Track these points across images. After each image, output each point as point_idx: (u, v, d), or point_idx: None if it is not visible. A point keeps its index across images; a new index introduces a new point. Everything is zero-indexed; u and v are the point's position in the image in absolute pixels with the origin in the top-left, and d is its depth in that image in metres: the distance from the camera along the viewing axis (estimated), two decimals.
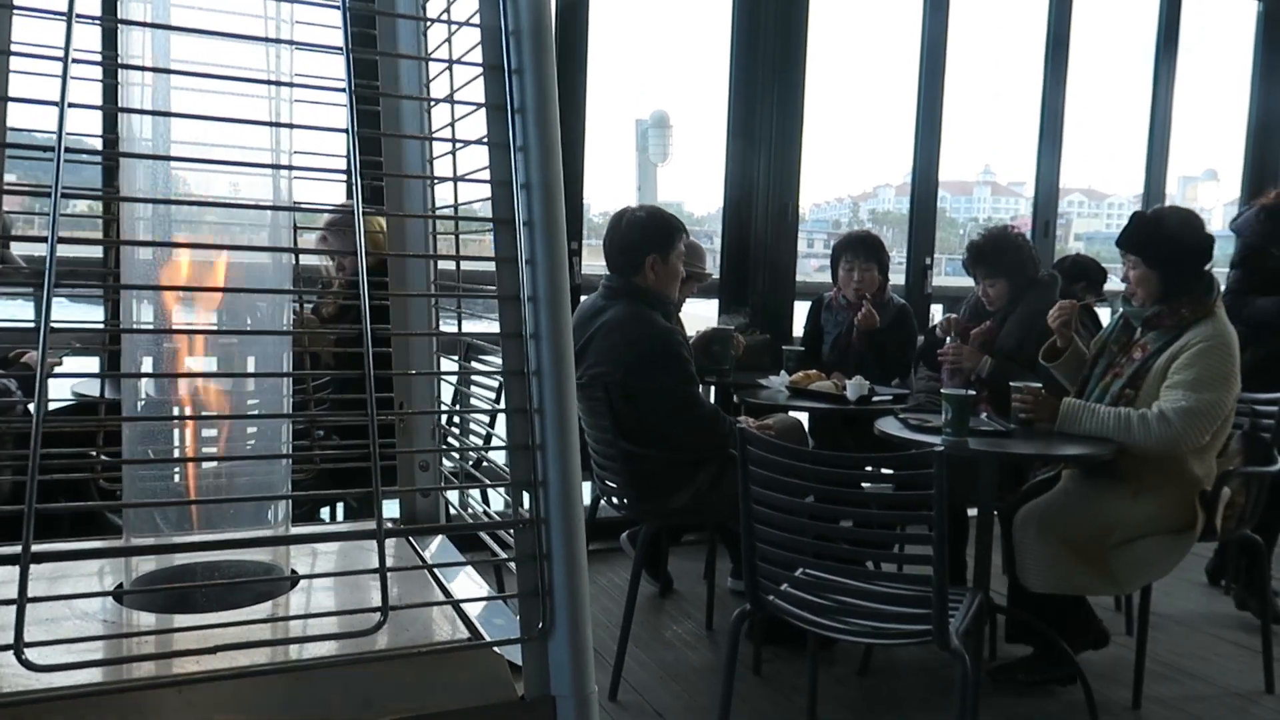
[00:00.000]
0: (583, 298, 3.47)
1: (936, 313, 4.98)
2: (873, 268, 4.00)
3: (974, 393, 2.95)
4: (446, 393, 1.90)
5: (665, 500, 3.04)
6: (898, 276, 4.88)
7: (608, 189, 5.21)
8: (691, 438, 3.02)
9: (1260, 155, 5.83)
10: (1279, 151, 5.78)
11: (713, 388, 4.23)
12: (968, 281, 3.78)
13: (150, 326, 1.10)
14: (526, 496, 0.94)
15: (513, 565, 1.02)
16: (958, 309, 3.87)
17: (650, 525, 3.06)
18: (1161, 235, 2.87)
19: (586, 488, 3.61)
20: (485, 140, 0.96)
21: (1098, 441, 2.81)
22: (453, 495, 1.31)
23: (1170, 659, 3.29)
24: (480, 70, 0.98)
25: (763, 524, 2.37)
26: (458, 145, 1.12)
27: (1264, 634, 3.14)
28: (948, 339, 3.60)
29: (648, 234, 3.09)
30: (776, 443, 2.49)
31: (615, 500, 3.17)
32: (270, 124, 1.05)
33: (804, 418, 3.71)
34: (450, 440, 1.36)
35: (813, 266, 6.14)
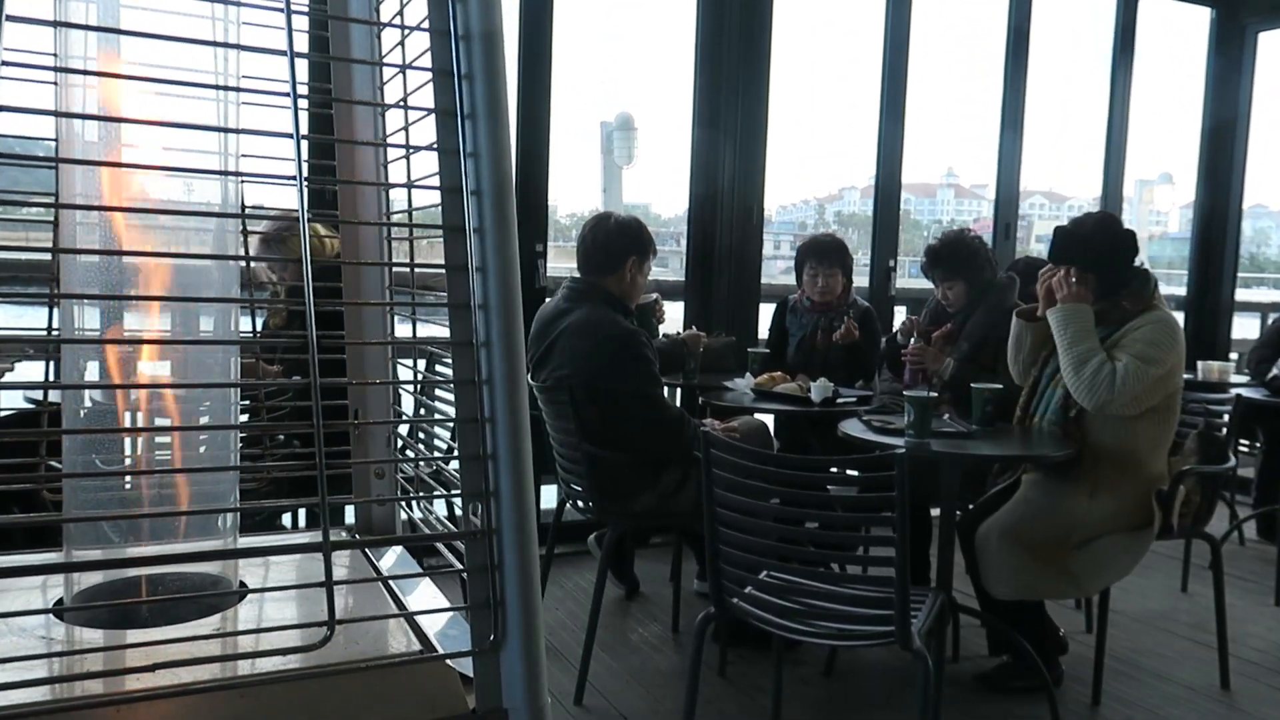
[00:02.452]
0: (546, 300, 3.45)
1: (900, 314, 5.02)
2: (836, 273, 4.02)
3: (936, 394, 2.97)
4: (407, 401, 1.88)
5: (629, 502, 3.04)
6: (862, 279, 4.90)
7: (573, 191, 5.20)
8: (656, 440, 3.02)
9: (1213, 158, 5.93)
10: (1231, 155, 5.88)
11: (678, 390, 4.23)
12: (931, 284, 3.81)
13: (94, 333, 1.07)
14: (479, 507, 0.92)
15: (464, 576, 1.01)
16: (921, 311, 3.90)
17: (615, 528, 3.05)
18: (1082, 240, 2.93)
19: (552, 491, 3.63)
20: (435, 146, 0.94)
21: (1057, 442, 2.84)
22: (408, 504, 1.29)
23: (1129, 656, 3.33)
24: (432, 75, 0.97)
25: (727, 527, 2.37)
26: (411, 151, 1.11)
27: (1219, 630, 3.18)
28: (910, 340, 3.63)
29: (633, 237, 3.13)
30: (740, 445, 2.49)
31: (580, 503, 3.16)
32: (217, 129, 1.03)
33: (769, 420, 3.71)
34: (406, 450, 1.34)
35: (779, 268, 6.16)
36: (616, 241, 3.12)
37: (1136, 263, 2.99)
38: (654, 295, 3.83)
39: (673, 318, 4.24)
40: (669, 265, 5.53)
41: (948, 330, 3.59)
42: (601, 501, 3.03)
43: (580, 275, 3.17)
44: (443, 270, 0.95)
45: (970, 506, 3.20)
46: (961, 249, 3.56)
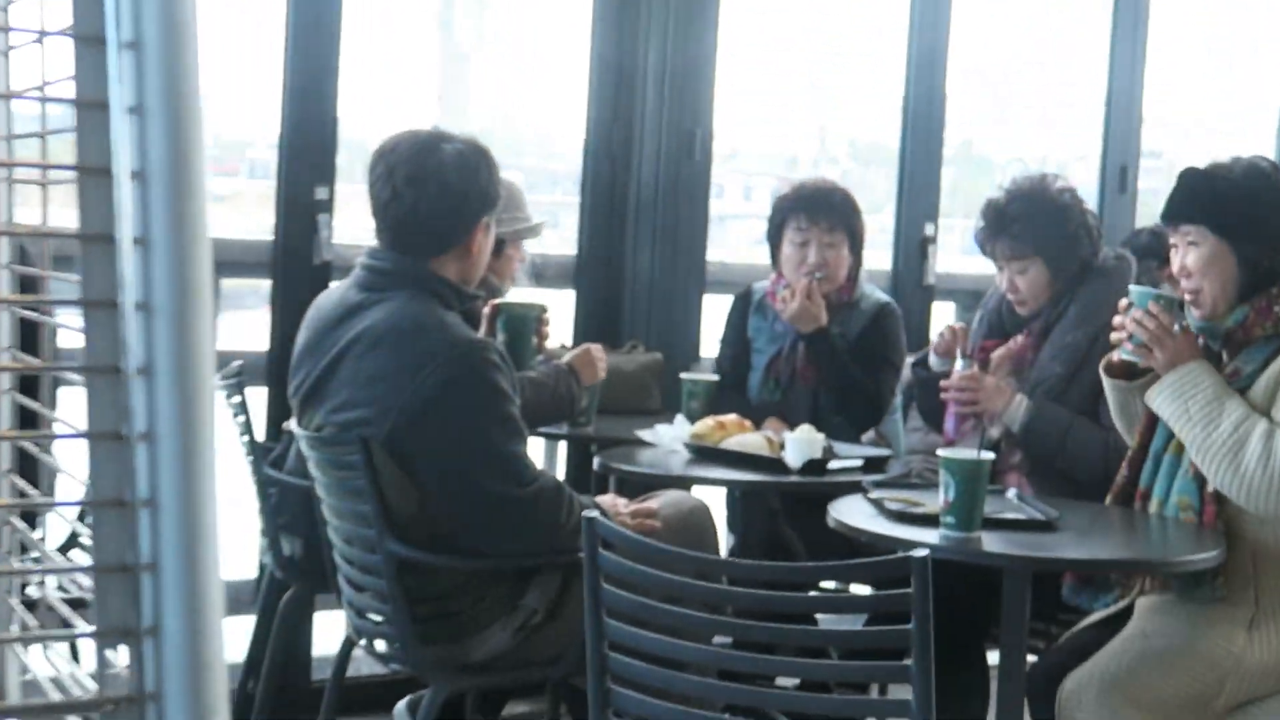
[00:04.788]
0: (331, 284, 3.44)
1: (941, 318, 5.08)
2: (840, 241, 4.09)
3: (992, 454, 3.02)
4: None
5: (467, 642, 3.04)
6: (881, 256, 4.97)
7: (387, 99, 5.16)
8: (511, 532, 3.03)
9: None
10: None
11: (560, 443, 4.23)
12: (992, 266, 3.88)
13: None
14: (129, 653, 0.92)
15: None
16: (975, 314, 3.98)
17: (442, 687, 3.05)
18: (1235, 195, 3.07)
19: (333, 619, 3.55)
20: (72, 31, 0.94)
21: (1191, 540, 2.93)
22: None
23: None
24: None
25: (632, 686, 2.39)
26: (41, 37, 1.11)
27: None
28: (957, 364, 3.68)
29: (480, 181, 3.13)
30: (657, 545, 2.51)
31: (383, 644, 3.14)
32: None
33: (715, 498, 3.74)
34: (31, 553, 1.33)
35: (744, 234, 6.20)
36: (455, 196, 3.10)
37: None
38: (540, 305, 3.84)
39: (556, 320, 4.25)
40: (558, 225, 5.53)
41: (1016, 347, 3.66)
42: (421, 641, 3.02)
43: (386, 250, 3.15)
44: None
45: (1050, 645, 3.27)
46: (1042, 206, 3.65)
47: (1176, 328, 3.01)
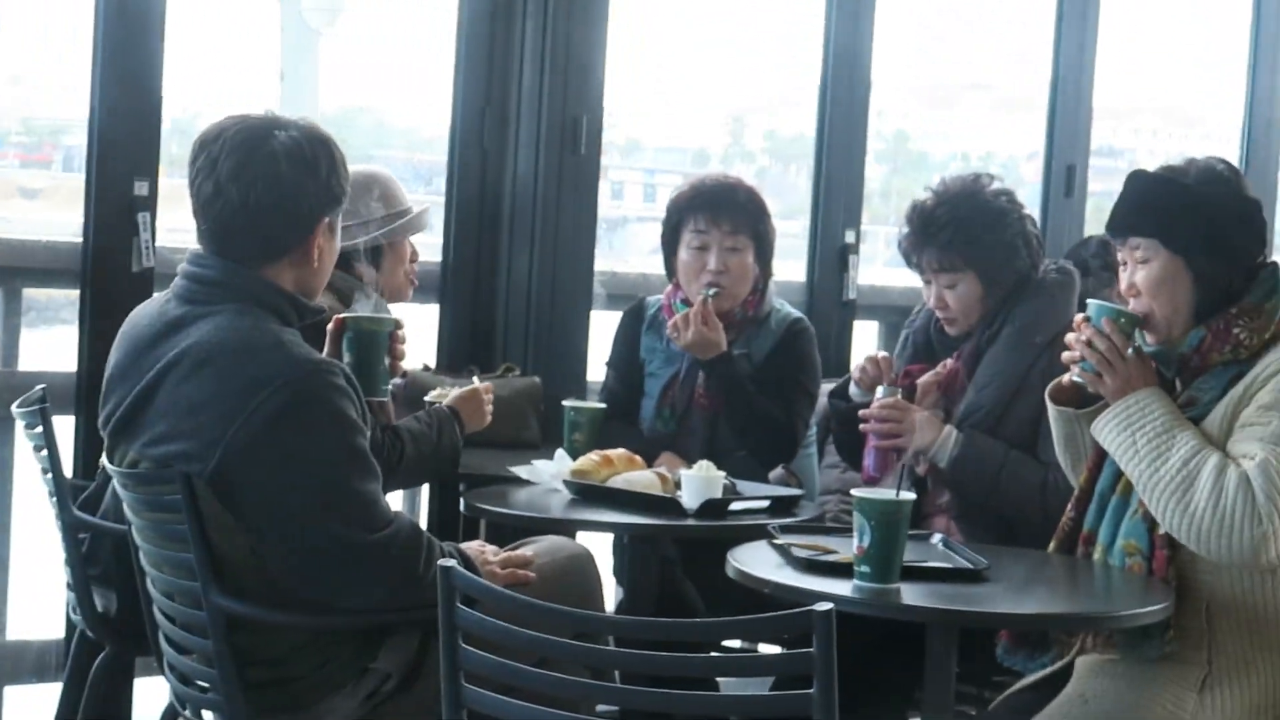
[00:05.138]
0: (156, 295, 3.40)
1: (863, 340, 5.09)
2: (744, 245, 4.10)
3: (914, 495, 3.05)
4: None
5: (309, 713, 3.03)
6: (794, 267, 5.00)
7: (217, 75, 5.12)
8: (361, 584, 3.01)
9: None
10: None
11: (425, 484, 4.20)
12: (919, 280, 3.91)
13: None
14: None
15: None
16: (900, 337, 4.00)
17: None
18: (1190, 204, 3.10)
19: (155, 686, 3.47)
20: None
21: (1138, 591, 2.98)
22: None
23: None
24: None
25: None
26: None
27: None
28: (878, 390, 3.69)
29: (320, 174, 3.12)
30: (528, 600, 2.51)
31: (210, 714, 3.13)
32: None
33: (600, 545, 3.74)
34: None
35: (639, 243, 6.20)
36: (289, 194, 3.07)
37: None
38: (394, 320, 3.79)
39: (416, 339, 4.23)
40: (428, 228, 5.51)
41: (948, 370, 3.69)
42: (252, 711, 3.00)
43: (211, 255, 3.12)
44: None
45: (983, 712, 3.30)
46: (975, 211, 3.68)
47: (1130, 350, 3.06)
